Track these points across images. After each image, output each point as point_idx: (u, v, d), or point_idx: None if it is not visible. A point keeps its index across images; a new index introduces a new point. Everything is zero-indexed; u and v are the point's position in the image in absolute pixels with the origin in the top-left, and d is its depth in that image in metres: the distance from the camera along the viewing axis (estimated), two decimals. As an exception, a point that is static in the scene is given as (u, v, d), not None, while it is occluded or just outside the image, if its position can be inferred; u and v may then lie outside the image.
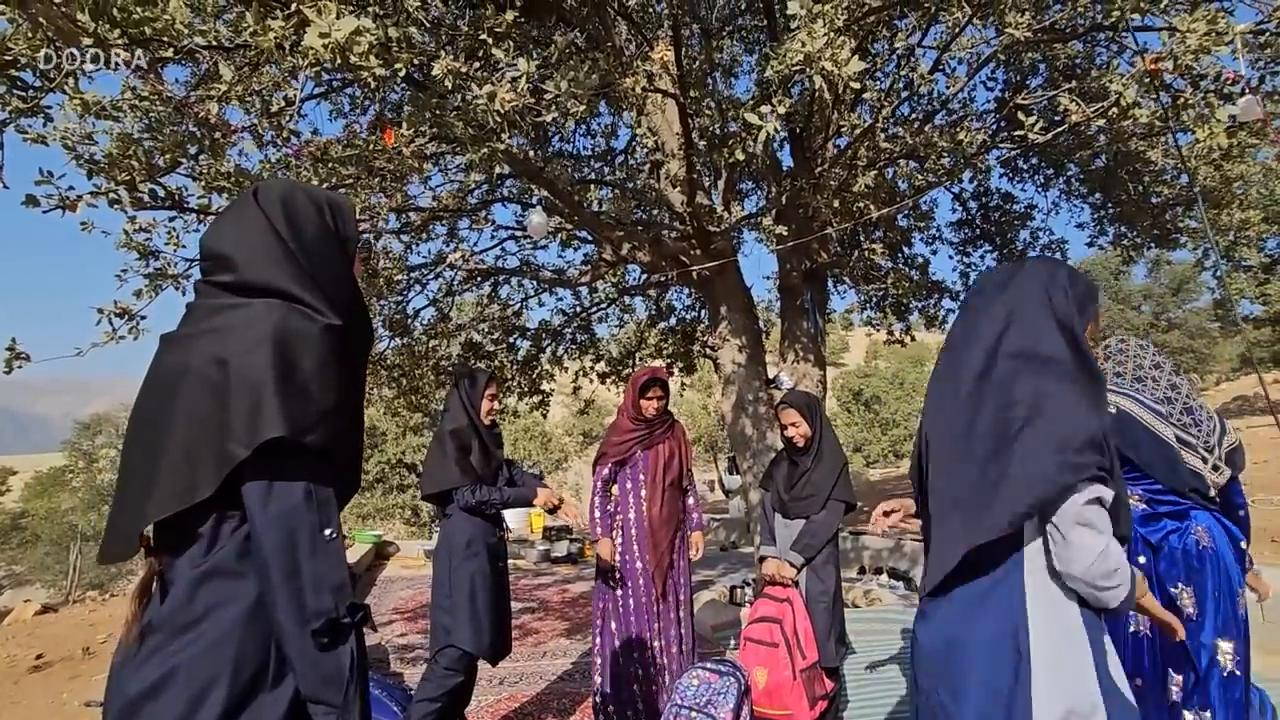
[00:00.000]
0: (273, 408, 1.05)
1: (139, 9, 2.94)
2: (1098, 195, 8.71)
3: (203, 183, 3.16)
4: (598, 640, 3.02)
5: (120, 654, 1.09)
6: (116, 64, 3.28)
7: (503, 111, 2.56)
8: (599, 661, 2.99)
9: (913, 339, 10.04)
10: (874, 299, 8.24)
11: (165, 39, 3.06)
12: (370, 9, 2.62)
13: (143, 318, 3.81)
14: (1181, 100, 3.20)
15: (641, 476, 3.05)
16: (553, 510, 2.79)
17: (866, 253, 5.73)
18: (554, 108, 2.58)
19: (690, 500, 3.19)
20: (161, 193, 3.05)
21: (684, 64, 4.62)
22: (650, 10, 5.72)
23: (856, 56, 2.35)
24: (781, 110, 2.34)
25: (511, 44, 2.86)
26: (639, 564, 2.98)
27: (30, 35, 2.71)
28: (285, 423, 1.05)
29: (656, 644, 2.89)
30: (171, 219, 3.52)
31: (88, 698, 6.13)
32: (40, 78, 3.21)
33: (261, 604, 1.07)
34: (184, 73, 4.47)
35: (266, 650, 1.07)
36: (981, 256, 9.52)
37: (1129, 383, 2.43)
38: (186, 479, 1.05)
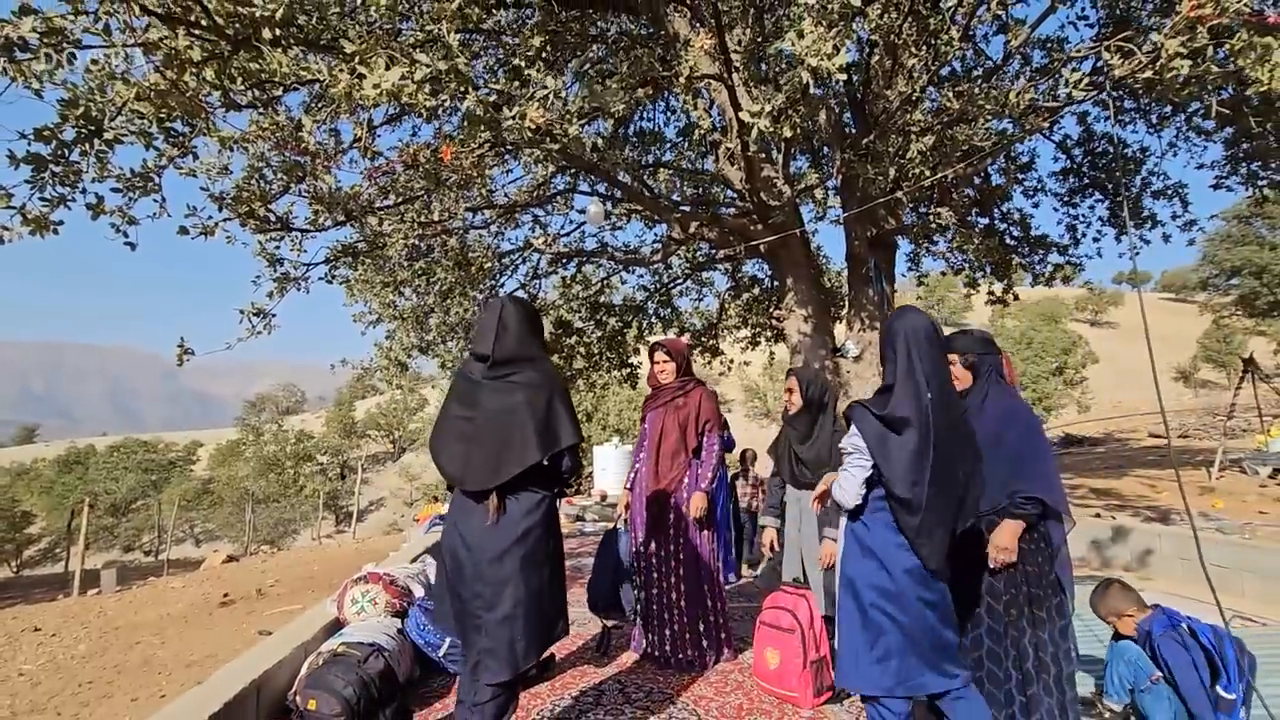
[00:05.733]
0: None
1: (252, 64, 3.57)
2: (1228, 130, 7.77)
3: (308, 201, 3.81)
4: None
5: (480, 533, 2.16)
6: (241, 106, 4.00)
7: (533, 128, 2.95)
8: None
9: (1015, 298, 9.55)
10: (954, 261, 7.95)
11: (275, 80, 3.70)
12: (419, 52, 3.07)
13: (273, 315, 4.61)
14: (1235, 43, 3.01)
15: (646, 440, 3.38)
16: None
17: (932, 218, 5.61)
18: (573, 120, 2.91)
19: (700, 461, 3.31)
20: (273, 218, 3.72)
21: (729, 46, 4.76)
22: (703, -7, 5.84)
23: (843, 51, 2.50)
24: (768, 109, 2.54)
25: (542, 64, 3.22)
26: (637, 518, 3.38)
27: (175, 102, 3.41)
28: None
29: (652, 590, 3.31)
30: (281, 239, 4.23)
31: (261, 628, 7.45)
32: (187, 125, 3.98)
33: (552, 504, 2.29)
34: (296, 98, 5.25)
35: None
36: (1091, 207, 8.84)
37: None
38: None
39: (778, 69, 5.73)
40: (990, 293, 9.16)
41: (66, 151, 3.19)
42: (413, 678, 3.15)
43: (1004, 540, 2.44)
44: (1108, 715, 2.64)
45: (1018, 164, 8.79)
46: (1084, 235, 8.85)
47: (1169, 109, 7.83)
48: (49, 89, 2.91)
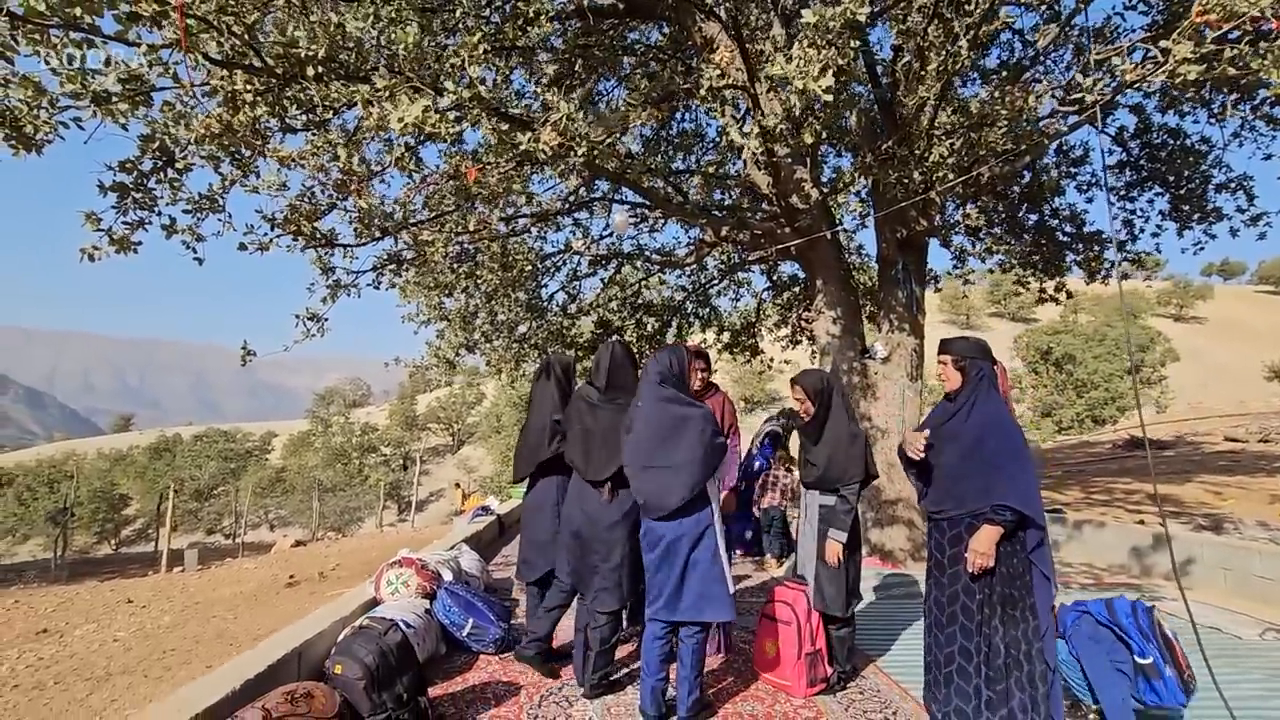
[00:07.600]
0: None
1: (303, 94, 3.94)
2: (1308, 113, 7.30)
3: (350, 218, 4.17)
4: None
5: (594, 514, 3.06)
6: (295, 129, 4.38)
7: (548, 151, 3.18)
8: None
9: (1069, 295, 9.29)
10: (992, 259, 7.80)
11: (326, 104, 4.07)
12: (454, 74, 3.35)
13: (326, 319, 5.03)
14: (1242, 48, 2.96)
15: None
16: None
17: (963, 219, 5.57)
18: (584, 143, 3.13)
19: (725, 462, 3.52)
20: (319, 234, 4.09)
21: (751, 56, 4.88)
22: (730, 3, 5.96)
23: (830, 73, 2.63)
24: (756, 129, 2.68)
25: (559, 89, 3.45)
26: None
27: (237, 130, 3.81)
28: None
29: None
30: (331, 252, 4.62)
31: (320, 607, 8.02)
32: (249, 149, 4.40)
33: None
34: (350, 114, 5.68)
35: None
36: (1150, 201, 8.48)
37: None
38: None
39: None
40: (1041, 290, 8.93)
41: (145, 180, 3.63)
42: (437, 654, 3.46)
43: (982, 546, 2.54)
44: (1091, 717, 2.69)
45: (1070, 158, 8.52)
46: (1141, 230, 8.51)
47: (1233, 97, 7.44)
48: (132, 123, 3.34)
